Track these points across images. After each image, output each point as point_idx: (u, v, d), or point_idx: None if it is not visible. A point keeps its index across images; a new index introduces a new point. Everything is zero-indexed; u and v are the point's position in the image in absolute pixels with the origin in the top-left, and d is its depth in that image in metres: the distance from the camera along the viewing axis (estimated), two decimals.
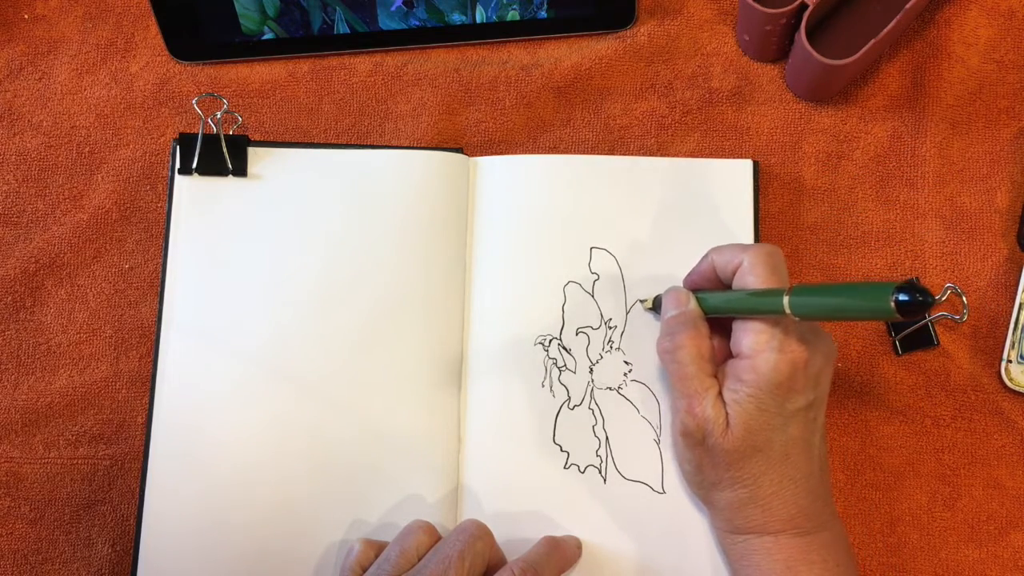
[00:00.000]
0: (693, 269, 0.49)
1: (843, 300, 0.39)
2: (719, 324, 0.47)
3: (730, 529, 0.46)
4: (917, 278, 0.53)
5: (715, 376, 0.45)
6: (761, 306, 0.43)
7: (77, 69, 0.57)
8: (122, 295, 0.54)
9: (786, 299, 0.41)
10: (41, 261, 0.54)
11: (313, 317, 0.51)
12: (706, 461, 0.45)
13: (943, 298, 0.52)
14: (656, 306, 0.51)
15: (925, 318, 0.52)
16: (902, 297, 0.35)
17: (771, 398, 0.43)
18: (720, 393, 0.44)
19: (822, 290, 0.40)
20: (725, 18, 0.57)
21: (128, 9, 0.57)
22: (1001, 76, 0.56)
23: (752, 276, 0.44)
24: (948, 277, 0.54)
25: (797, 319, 0.41)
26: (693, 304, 0.47)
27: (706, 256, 0.47)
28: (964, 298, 0.52)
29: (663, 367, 0.48)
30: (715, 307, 0.46)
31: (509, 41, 0.57)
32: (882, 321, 0.53)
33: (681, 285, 0.50)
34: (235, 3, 0.54)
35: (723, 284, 0.47)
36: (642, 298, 0.52)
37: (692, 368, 0.45)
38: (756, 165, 0.54)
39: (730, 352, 0.45)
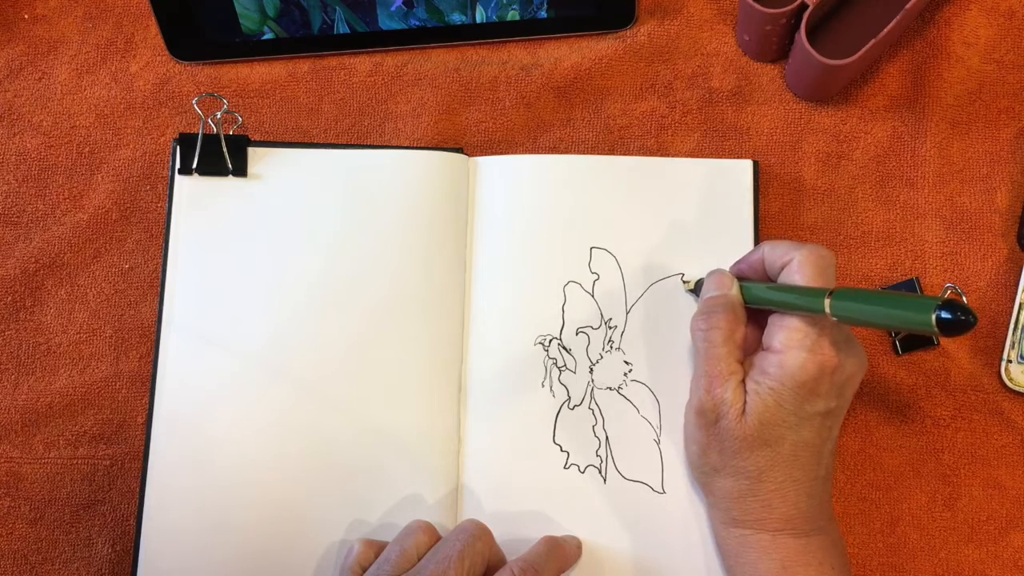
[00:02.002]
0: (742, 258, 0.49)
1: (884, 309, 0.39)
2: (754, 317, 0.48)
3: (727, 521, 0.46)
4: (917, 278, 0.53)
5: (742, 363, 0.45)
6: (802, 303, 0.43)
7: (77, 69, 0.57)
8: (122, 295, 0.54)
9: (827, 300, 0.41)
10: (41, 261, 0.54)
11: (313, 317, 0.51)
12: (713, 445, 0.45)
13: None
14: (697, 288, 0.51)
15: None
16: (944, 315, 0.36)
17: (792, 396, 0.43)
18: (743, 381, 0.45)
19: (864, 296, 0.40)
20: (725, 18, 0.57)
21: (128, 9, 0.57)
22: (1001, 76, 0.56)
23: (799, 275, 0.44)
24: (948, 277, 0.54)
25: (835, 320, 0.41)
26: (735, 289, 0.47)
27: (758, 248, 0.47)
28: (964, 298, 0.52)
29: (692, 344, 0.48)
30: (756, 297, 0.47)
31: (509, 41, 0.57)
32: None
33: (727, 270, 0.50)
34: (235, 3, 0.54)
35: (769, 278, 0.47)
36: (685, 278, 0.52)
37: (722, 350, 0.45)
38: (756, 165, 0.54)
39: (761, 345, 0.46)
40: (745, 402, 0.44)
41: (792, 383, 0.43)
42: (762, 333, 0.46)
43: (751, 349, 0.47)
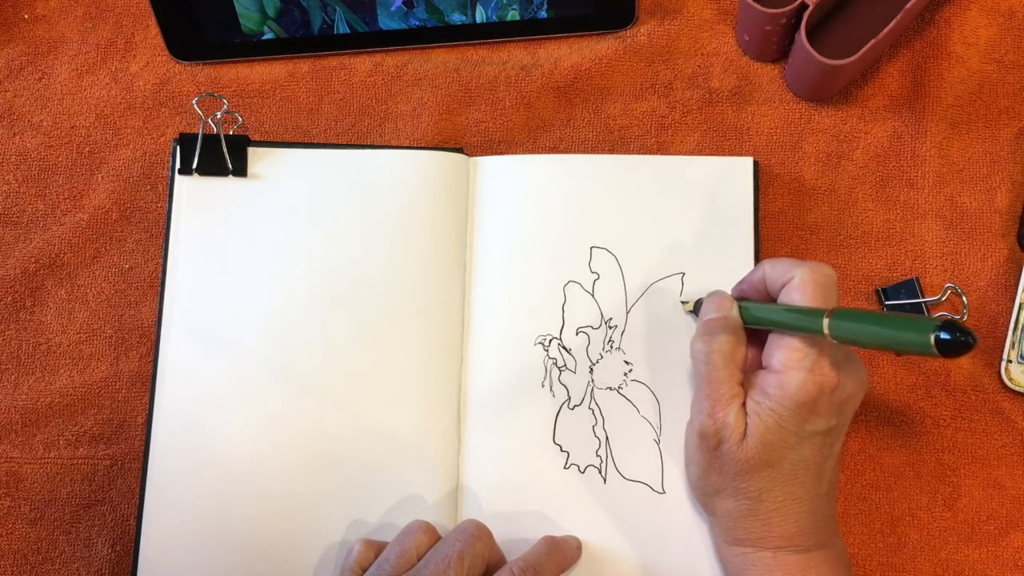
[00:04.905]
0: (743, 278, 0.48)
1: (882, 331, 0.39)
2: (754, 336, 0.47)
3: (728, 540, 0.46)
4: (917, 279, 0.53)
5: (742, 385, 0.45)
6: (800, 323, 0.42)
7: (77, 69, 0.57)
8: (122, 295, 0.54)
9: (826, 321, 0.40)
10: (41, 261, 0.54)
11: (313, 317, 0.51)
12: (714, 467, 0.45)
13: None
14: (696, 308, 0.51)
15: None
16: (943, 336, 0.36)
17: (792, 416, 0.43)
18: (744, 403, 0.44)
19: (863, 317, 0.40)
20: (725, 18, 0.57)
21: (128, 9, 0.57)
22: (1001, 76, 0.56)
23: (799, 293, 0.43)
24: (948, 277, 0.54)
25: (834, 342, 0.41)
26: (735, 311, 0.47)
27: (759, 266, 0.47)
28: (964, 298, 0.52)
29: (692, 366, 0.48)
30: (756, 318, 0.46)
31: (509, 41, 0.57)
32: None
33: (727, 291, 0.49)
34: (235, 3, 0.54)
35: (771, 297, 0.46)
36: (684, 299, 0.52)
37: (723, 372, 0.45)
38: (756, 163, 0.54)
39: (760, 363, 0.45)
40: (746, 425, 0.44)
41: (791, 404, 0.42)
42: (761, 351, 0.45)
43: (750, 368, 0.47)
